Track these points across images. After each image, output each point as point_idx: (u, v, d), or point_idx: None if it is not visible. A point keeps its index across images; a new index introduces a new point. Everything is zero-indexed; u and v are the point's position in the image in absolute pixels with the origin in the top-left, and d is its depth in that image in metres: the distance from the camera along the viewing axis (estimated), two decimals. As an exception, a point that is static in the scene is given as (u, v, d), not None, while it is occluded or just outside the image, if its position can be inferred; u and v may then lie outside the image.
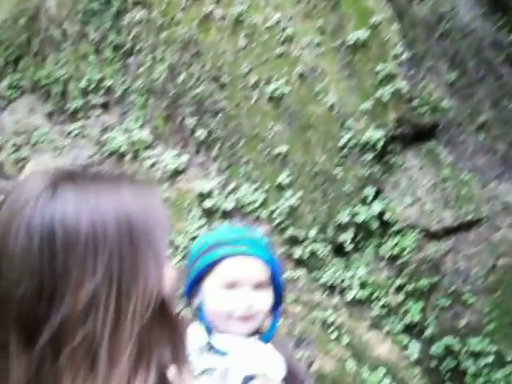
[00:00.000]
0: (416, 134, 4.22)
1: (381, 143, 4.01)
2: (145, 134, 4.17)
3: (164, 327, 0.90)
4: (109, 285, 0.82)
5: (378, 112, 4.08)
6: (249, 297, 1.31)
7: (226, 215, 3.82)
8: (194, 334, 1.35)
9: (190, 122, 4.09)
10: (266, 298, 1.36)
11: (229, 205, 3.83)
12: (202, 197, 3.84)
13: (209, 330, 1.35)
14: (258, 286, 1.34)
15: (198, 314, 1.38)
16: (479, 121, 4.33)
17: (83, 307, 0.80)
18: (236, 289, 1.33)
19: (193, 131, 4.09)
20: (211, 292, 1.35)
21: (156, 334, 0.88)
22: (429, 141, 4.26)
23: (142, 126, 4.24)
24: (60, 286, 0.80)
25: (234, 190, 3.93)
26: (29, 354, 0.79)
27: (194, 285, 1.39)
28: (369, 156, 4.02)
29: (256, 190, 3.90)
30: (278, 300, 1.43)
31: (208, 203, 3.81)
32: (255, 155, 4.01)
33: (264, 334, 1.37)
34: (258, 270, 1.34)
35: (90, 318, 0.79)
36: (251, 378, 1.27)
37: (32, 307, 0.80)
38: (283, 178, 3.92)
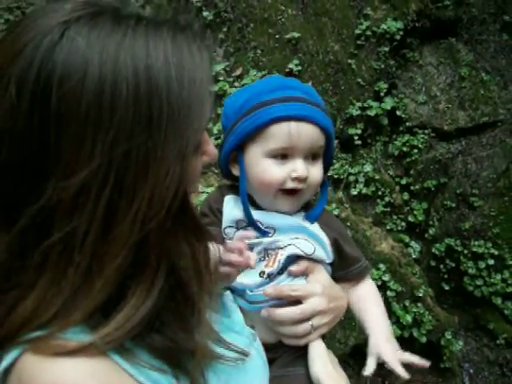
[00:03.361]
0: (436, 29, 3.97)
1: (399, 35, 3.79)
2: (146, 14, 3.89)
3: (181, 234, 0.69)
4: (105, 176, 0.59)
5: (398, 2, 3.82)
6: (302, 168, 1.09)
7: (231, 101, 3.64)
8: (232, 206, 1.17)
9: (197, 1, 3.82)
10: (319, 170, 1.15)
11: (234, 90, 3.63)
12: (207, 81, 3.64)
13: (247, 204, 1.14)
14: (312, 157, 1.13)
15: (238, 185, 1.16)
16: (504, 20, 4.05)
17: (70, 199, 0.59)
18: (287, 158, 1.11)
19: (199, 11, 3.82)
20: (257, 161, 1.11)
21: (171, 241, 0.67)
22: (449, 37, 4.01)
23: (142, 6, 3.96)
24: (48, 165, 0.59)
25: (240, 76, 3.73)
26: (8, 234, 0.63)
27: (232, 151, 1.15)
28: (385, 48, 3.79)
29: (264, 77, 3.69)
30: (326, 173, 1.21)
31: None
32: (264, 40, 3.77)
33: (310, 213, 1.18)
34: (314, 137, 1.10)
35: (75, 215, 0.60)
36: (294, 258, 1.12)
37: (12, 182, 0.61)
38: (293, 65, 3.71)
